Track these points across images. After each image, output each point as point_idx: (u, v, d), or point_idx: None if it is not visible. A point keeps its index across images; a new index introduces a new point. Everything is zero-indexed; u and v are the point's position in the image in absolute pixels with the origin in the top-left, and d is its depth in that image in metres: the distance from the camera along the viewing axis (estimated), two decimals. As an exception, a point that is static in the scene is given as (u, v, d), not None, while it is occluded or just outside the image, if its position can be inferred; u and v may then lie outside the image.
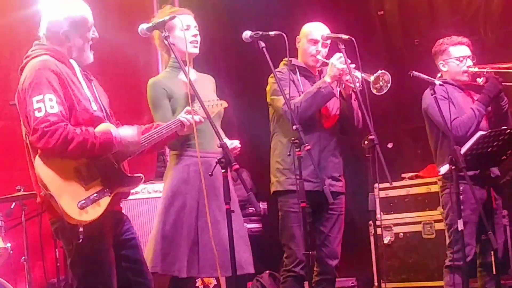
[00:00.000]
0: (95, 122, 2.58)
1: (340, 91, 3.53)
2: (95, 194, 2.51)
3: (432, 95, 3.44)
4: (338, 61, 3.38)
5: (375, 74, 3.32)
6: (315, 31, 3.55)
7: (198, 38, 3.24)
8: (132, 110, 4.78)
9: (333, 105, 3.58)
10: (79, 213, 2.46)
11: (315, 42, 3.54)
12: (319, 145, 3.50)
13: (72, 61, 2.63)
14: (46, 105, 2.46)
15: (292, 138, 3.03)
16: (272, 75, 3.48)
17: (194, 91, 2.75)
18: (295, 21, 3.93)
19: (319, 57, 3.54)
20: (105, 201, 2.53)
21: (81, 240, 2.45)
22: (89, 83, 2.67)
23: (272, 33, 3.23)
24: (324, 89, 3.38)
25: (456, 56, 3.74)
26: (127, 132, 2.59)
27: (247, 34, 3.18)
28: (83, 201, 2.47)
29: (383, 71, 3.33)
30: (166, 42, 2.78)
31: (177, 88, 3.19)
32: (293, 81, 3.50)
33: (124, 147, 2.58)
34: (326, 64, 3.48)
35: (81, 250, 2.53)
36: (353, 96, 3.49)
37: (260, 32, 3.15)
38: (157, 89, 3.20)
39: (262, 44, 3.14)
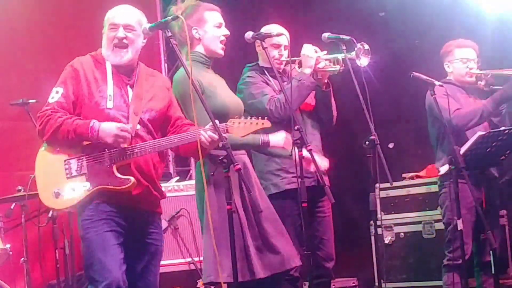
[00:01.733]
0: (105, 118, 2.71)
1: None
2: (73, 186, 2.68)
3: (432, 95, 3.46)
4: (311, 51, 3.43)
5: (355, 49, 3.34)
6: (279, 36, 3.48)
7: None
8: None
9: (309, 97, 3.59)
10: (52, 200, 2.68)
11: (278, 46, 3.55)
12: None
13: (107, 63, 2.79)
14: (51, 95, 2.74)
15: (294, 139, 3.03)
16: (241, 82, 3.54)
17: (196, 90, 2.73)
18: (295, 21, 3.93)
19: (283, 58, 3.57)
20: (81, 194, 2.67)
21: (45, 224, 2.64)
22: (122, 84, 2.78)
23: (274, 33, 3.23)
24: (305, 81, 3.42)
25: (460, 57, 3.81)
26: (106, 126, 2.67)
27: (249, 34, 3.18)
28: (57, 189, 2.67)
29: (361, 43, 3.35)
30: (171, 42, 2.75)
31: (207, 82, 3.12)
32: (266, 82, 3.52)
33: (100, 139, 2.67)
34: (288, 63, 3.53)
35: (81, 239, 2.71)
36: (330, 86, 3.54)
37: (262, 33, 3.15)
38: (184, 84, 3.05)
39: (265, 44, 3.15)
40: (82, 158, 2.69)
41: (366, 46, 3.37)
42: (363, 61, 3.35)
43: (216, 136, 2.66)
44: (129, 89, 2.80)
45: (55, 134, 2.68)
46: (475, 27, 4.71)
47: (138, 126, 2.75)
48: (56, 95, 2.72)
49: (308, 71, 3.44)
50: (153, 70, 2.96)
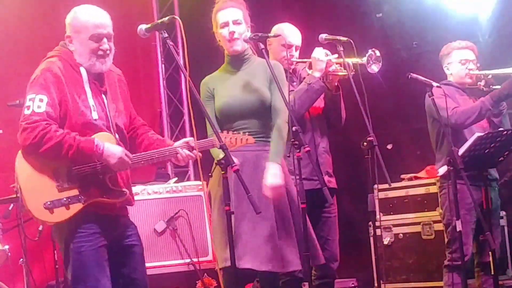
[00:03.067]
0: (93, 129, 2.62)
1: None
2: (65, 199, 2.56)
3: (429, 97, 3.47)
4: (322, 54, 3.43)
5: (367, 55, 3.35)
6: (289, 36, 3.54)
7: (235, 35, 3.12)
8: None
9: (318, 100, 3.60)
10: (43, 212, 2.54)
11: (289, 47, 3.54)
12: (314, 143, 3.52)
13: (82, 68, 2.67)
14: (35, 104, 2.55)
15: (292, 140, 3.03)
16: None
17: (195, 93, 2.73)
18: (292, 22, 3.93)
19: (293, 59, 3.56)
20: (76, 207, 2.57)
21: (37, 239, 2.56)
22: (98, 93, 2.69)
23: (271, 34, 3.22)
24: (315, 84, 3.42)
25: (459, 59, 3.83)
26: (112, 147, 2.60)
27: (246, 35, 3.18)
28: (49, 202, 2.54)
29: (372, 49, 3.36)
30: (167, 44, 2.76)
31: (220, 87, 3.16)
32: None
33: (103, 159, 2.59)
34: (299, 63, 3.53)
35: (67, 251, 2.61)
36: (339, 89, 3.54)
37: (260, 34, 3.15)
38: (201, 89, 3.19)
39: (261, 45, 3.15)
40: (71, 169, 2.59)
41: (378, 53, 3.38)
42: (374, 68, 3.35)
43: (192, 155, 2.70)
44: (103, 96, 2.71)
45: (54, 149, 2.53)
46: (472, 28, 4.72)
47: (117, 135, 2.71)
48: (41, 103, 2.54)
49: (318, 74, 3.44)
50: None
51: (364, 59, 3.35)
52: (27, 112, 2.55)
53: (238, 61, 3.19)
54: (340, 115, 3.63)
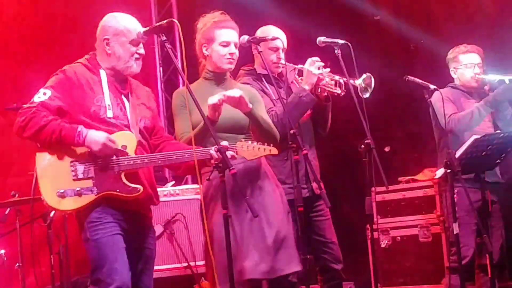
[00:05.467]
0: (110, 126, 2.71)
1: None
2: (79, 189, 2.64)
3: (427, 99, 3.48)
4: (314, 67, 3.40)
5: (361, 78, 3.32)
6: (274, 40, 3.45)
7: (235, 56, 3.14)
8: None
9: None
10: (56, 200, 2.63)
11: (276, 49, 3.52)
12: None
13: (101, 71, 2.79)
14: (37, 95, 2.69)
15: (290, 143, 3.02)
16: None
17: (193, 97, 2.72)
18: (290, 25, 3.94)
19: (282, 62, 3.52)
20: (87, 197, 2.65)
21: (47, 224, 2.61)
22: (117, 94, 2.79)
23: (269, 37, 3.22)
24: (305, 97, 3.39)
25: (465, 63, 3.89)
26: (95, 134, 2.66)
27: (244, 38, 3.17)
28: (63, 190, 2.63)
29: (368, 74, 3.34)
30: (165, 46, 2.75)
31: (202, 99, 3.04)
32: (263, 90, 3.44)
33: (86, 146, 2.65)
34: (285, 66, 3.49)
35: (86, 242, 2.68)
36: (328, 97, 3.52)
37: (257, 37, 3.14)
38: (177, 97, 3.13)
39: (260, 48, 3.14)
40: (90, 162, 2.68)
41: (372, 80, 3.34)
42: (366, 94, 3.30)
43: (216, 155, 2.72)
44: (123, 98, 2.82)
45: (38, 133, 2.63)
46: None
47: (139, 136, 2.78)
48: (43, 96, 2.68)
49: (307, 87, 3.41)
50: (134, 79, 2.97)
51: (357, 82, 3.31)
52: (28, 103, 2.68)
53: (221, 78, 3.17)
54: (327, 124, 3.62)
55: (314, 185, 3.47)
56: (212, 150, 2.73)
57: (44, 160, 2.67)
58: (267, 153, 2.85)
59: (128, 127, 2.76)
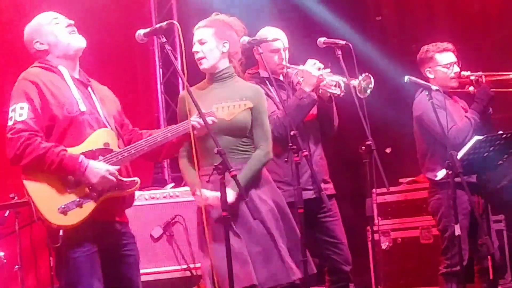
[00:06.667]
0: (80, 125, 2.60)
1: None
2: (78, 199, 2.55)
3: (429, 100, 3.45)
4: (314, 68, 3.38)
5: (359, 78, 3.30)
6: (275, 41, 3.45)
7: (200, 55, 3.08)
8: (129, 113, 4.75)
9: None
10: (60, 217, 2.52)
11: (277, 51, 3.49)
12: (309, 151, 3.46)
13: (60, 67, 2.68)
14: (16, 113, 2.55)
15: (290, 144, 3.01)
16: None
17: (193, 98, 2.70)
18: (291, 25, 3.93)
19: (284, 63, 3.51)
20: (89, 206, 2.56)
21: (59, 244, 2.51)
22: (82, 87, 2.70)
23: (269, 38, 3.20)
24: (306, 99, 3.37)
25: (444, 63, 3.75)
26: (96, 165, 2.56)
27: (244, 40, 3.16)
28: (63, 206, 2.52)
29: (366, 74, 3.32)
30: (165, 48, 2.73)
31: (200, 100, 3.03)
32: (267, 94, 3.40)
33: (86, 176, 2.55)
34: (289, 67, 3.49)
35: (60, 255, 2.58)
36: (332, 98, 3.50)
37: (258, 38, 3.13)
38: (180, 102, 3.12)
39: (260, 50, 3.13)
40: None
41: (372, 79, 3.32)
42: (365, 93, 3.29)
43: (212, 117, 2.71)
44: (89, 90, 2.72)
45: (37, 162, 2.51)
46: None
47: (115, 127, 2.70)
48: (22, 111, 2.53)
49: (308, 89, 3.39)
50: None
51: (356, 82, 3.29)
52: (10, 123, 2.56)
53: (211, 78, 3.14)
54: (333, 124, 3.59)
55: (323, 185, 3.44)
56: (193, 121, 2.69)
57: (33, 181, 2.54)
58: (243, 109, 2.81)
59: (102, 121, 2.65)
